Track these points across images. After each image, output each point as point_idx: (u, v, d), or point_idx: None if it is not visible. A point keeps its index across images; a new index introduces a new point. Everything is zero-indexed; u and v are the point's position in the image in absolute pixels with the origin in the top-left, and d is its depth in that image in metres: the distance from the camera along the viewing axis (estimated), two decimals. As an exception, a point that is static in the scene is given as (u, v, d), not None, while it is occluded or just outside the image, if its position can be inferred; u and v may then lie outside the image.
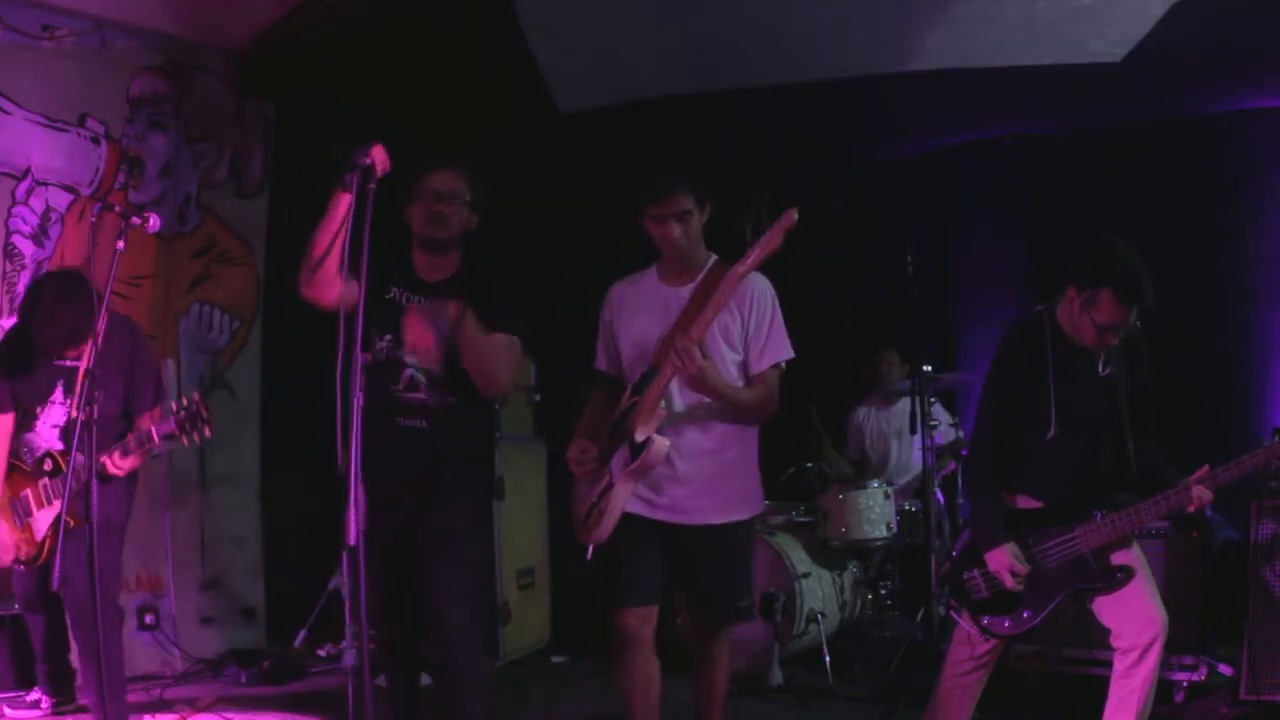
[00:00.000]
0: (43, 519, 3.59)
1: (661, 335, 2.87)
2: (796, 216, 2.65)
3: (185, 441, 3.42)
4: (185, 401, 3.43)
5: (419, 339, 2.95)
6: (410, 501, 2.97)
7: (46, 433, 3.70)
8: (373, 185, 2.52)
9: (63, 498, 3.49)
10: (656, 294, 2.99)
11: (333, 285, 2.84)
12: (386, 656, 3.12)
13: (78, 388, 3.57)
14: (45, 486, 3.60)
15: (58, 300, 3.51)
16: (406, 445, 2.98)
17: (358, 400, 2.36)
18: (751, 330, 2.92)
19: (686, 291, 2.93)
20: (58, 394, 3.71)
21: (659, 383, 2.78)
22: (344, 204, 2.70)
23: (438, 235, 3.02)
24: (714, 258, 2.98)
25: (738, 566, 3.04)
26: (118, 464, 3.48)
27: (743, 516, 3.00)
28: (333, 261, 2.82)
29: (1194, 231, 5.48)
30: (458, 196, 3.02)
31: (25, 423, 3.71)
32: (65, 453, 3.59)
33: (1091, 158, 5.82)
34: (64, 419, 3.68)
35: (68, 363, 3.67)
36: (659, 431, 2.81)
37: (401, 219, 3.05)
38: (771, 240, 2.66)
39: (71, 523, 3.36)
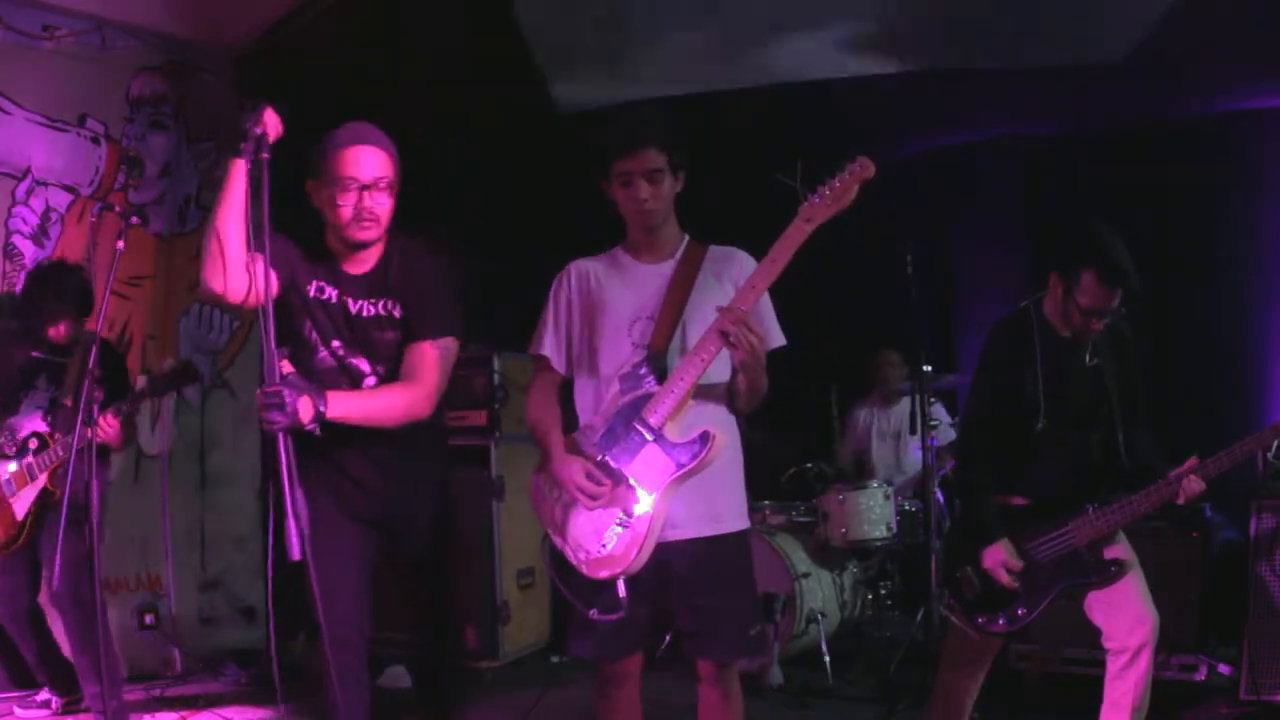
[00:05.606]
0: (24, 497, 3.64)
1: (653, 314, 2.53)
2: (874, 168, 2.30)
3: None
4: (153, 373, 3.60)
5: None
6: (380, 513, 2.79)
7: (29, 413, 3.77)
8: (266, 155, 2.30)
9: (47, 471, 3.58)
10: (633, 271, 2.63)
11: (241, 275, 2.48)
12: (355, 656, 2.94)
13: (77, 389, 3.63)
14: (29, 464, 3.65)
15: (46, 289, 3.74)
16: (372, 457, 2.74)
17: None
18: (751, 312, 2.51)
19: (666, 269, 2.59)
20: (41, 381, 3.80)
21: (691, 369, 2.39)
22: (239, 172, 2.45)
23: (368, 238, 2.66)
24: (686, 237, 2.65)
25: (743, 587, 2.63)
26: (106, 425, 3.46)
27: (740, 527, 2.61)
28: (238, 244, 2.47)
29: (1194, 231, 5.47)
30: (384, 181, 2.62)
31: (9, 408, 3.79)
32: (51, 432, 3.71)
33: (1091, 158, 5.81)
34: (47, 401, 3.77)
35: (55, 358, 3.79)
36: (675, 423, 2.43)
37: (305, 199, 2.67)
38: (845, 191, 2.32)
39: (57, 494, 3.51)
